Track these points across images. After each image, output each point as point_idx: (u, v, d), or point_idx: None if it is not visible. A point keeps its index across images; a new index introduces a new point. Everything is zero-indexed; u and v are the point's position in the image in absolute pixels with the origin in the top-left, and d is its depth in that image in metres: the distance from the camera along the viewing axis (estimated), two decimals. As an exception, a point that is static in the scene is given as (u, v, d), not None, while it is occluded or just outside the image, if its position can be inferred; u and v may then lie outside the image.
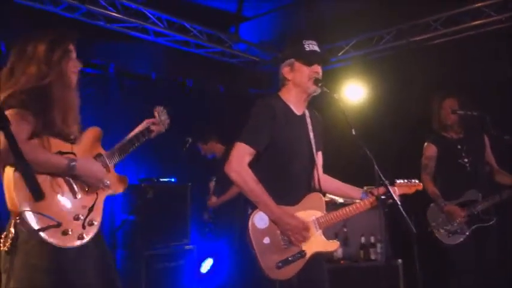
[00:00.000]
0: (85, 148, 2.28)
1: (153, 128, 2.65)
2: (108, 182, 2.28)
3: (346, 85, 5.87)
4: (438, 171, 4.11)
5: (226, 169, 2.55)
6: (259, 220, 2.50)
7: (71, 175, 2.12)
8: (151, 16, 5.24)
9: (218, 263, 5.54)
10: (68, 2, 4.60)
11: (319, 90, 2.66)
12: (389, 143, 5.33)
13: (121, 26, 5.18)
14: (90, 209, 2.17)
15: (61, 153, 2.12)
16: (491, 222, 3.84)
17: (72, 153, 2.18)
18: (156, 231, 5.24)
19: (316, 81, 2.64)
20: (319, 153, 2.87)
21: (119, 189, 2.42)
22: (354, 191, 2.88)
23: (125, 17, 5.04)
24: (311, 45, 2.65)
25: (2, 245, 1.99)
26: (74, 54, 2.31)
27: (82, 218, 2.12)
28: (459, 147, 4.05)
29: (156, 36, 5.51)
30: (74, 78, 2.31)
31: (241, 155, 2.53)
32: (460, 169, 3.98)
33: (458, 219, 3.89)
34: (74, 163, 2.09)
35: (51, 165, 2.05)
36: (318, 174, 2.78)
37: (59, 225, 1.98)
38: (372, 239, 4.77)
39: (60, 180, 2.10)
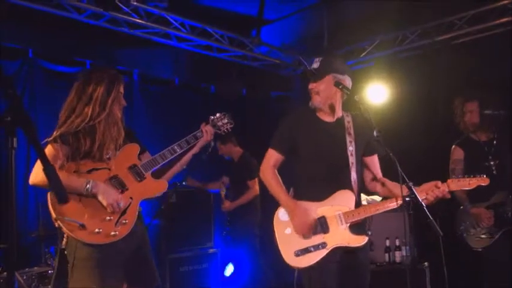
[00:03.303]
0: (120, 162, 2.62)
1: (200, 134, 2.88)
2: (119, 205, 2.50)
3: (369, 86, 5.80)
4: (466, 174, 4.01)
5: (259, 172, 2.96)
6: (282, 214, 2.79)
7: (91, 193, 2.45)
8: (173, 22, 5.30)
9: (238, 267, 5.53)
10: (91, 9, 4.69)
11: (314, 104, 2.84)
12: (415, 144, 5.24)
13: (144, 32, 5.24)
14: (123, 212, 2.51)
15: (95, 169, 2.52)
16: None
17: (107, 168, 2.57)
18: (180, 235, 5.29)
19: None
20: (373, 157, 2.95)
21: (156, 193, 2.71)
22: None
23: (148, 23, 5.11)
24: (312, 64, 2.89)
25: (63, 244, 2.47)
26: (122, 94, 2.68)
27: (110, 218, 2.45)
28: (486, 149, 3.96)
29: (178, 41, 5.57)
30: (120, 114, 2.66)
31: (268, 157, 2.93)
32: (486, 172, 3.87)
33: (485, 222, 3.79)
34: (88, 185, 2.42)
35: (73, 187, 2.40)
36: (369, 178, 2.96)
37: (83, 226, 2.38)
38: (397, 242, 4.69)
39: None
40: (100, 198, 2.45)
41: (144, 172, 2.67)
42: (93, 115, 2.52)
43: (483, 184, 2.83)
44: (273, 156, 2.89)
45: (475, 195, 3.91)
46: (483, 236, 3.80)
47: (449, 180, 2.77)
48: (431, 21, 5.60)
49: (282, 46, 6.52)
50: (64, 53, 5.23)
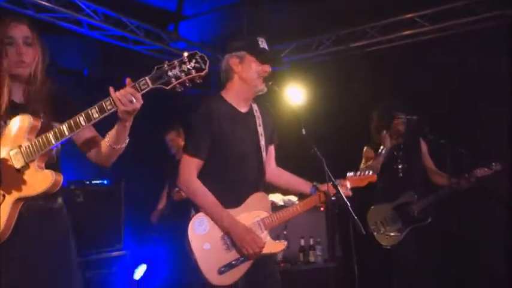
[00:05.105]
0: (5, 142, 2.00)
1: (108, 104, 1.94)
2: None
3: (286, 88, 5.86)
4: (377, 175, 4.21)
5: (177, 183, 2.54)
6: (198, 225, 2.44)
7: None
8: (85, 8, 4.94)
9: (153, 269, 5.31)
10: (-9, -14, 4.22)
11: (265, 89, 2.60)
12: (328, 146, 5.37)
13: (52, 16, 4.82)
14: None
15: None
16: (427, 222, 3.96)
17: None
18: (87, 237, 4.91)
19: (265, 79, 2.59)
20: (271, 147, 2.84)
21: (37, 190, 1.97)
22: (304, 185, 2.83)
23: (56, 7, 4.71)
24: (263, 44, 2.60)
25: None
26: (19, 42, 2.10)
27: None
28: (395, 153, 4.18)
29: (90, 29, 5.20)
30: (15, 69, 2.10)
31: (188, 167, 2.50)
32: (394, 174, 4.12)
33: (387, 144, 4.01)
34: None
35: None
36: (266, 169, 2.72)
37: None
38: (311, 241, 4.78)
39: None
40: None
41: (26, 158, 1.95)
42: None
43: (372, 180, 2.90)
44: (192, 164, 2.47)
45: (384, 195, 4.14)
46: (392, 234, 4.00)
47: (348, 178, 2.83)
48: (345, 29, 5.81)
49: (201, 42, 6.39)
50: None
